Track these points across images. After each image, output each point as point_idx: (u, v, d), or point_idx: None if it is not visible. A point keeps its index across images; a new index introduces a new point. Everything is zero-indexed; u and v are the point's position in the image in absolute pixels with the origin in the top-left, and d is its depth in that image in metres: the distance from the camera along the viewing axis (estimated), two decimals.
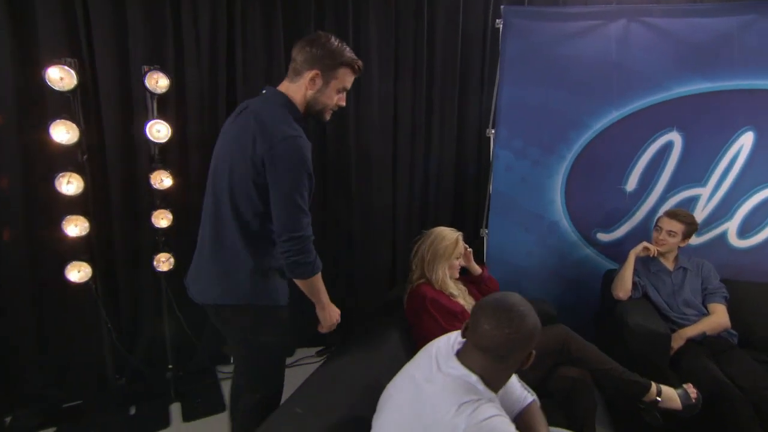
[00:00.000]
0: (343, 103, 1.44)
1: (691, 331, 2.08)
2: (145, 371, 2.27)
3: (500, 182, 2.61)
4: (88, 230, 1.80)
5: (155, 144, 1.94)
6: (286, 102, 1.37)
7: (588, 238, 2.65)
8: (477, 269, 2.09)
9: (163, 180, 1.94)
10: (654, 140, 2.51)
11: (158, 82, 1.86)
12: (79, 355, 2.16)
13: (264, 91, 1.44)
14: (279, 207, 1.30)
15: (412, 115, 2.78)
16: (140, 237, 2.22)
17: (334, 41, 1.37)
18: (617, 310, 2.16)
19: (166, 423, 2.12)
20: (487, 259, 2.71)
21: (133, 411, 2.18)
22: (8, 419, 2.07)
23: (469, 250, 2.04)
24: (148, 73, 1.85)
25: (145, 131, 1.86)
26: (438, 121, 2.82)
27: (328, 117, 1.46)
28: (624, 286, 2.24)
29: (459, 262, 1.95)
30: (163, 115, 2.10)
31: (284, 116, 1.33)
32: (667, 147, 2.52)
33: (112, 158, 2.14)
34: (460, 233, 1.95)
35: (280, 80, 2.49)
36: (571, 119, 2.50)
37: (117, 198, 2.17)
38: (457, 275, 1.97)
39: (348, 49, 1.40)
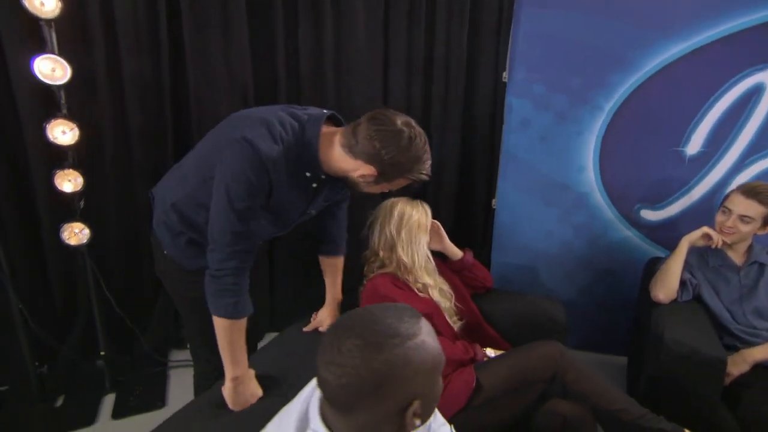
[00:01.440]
0: (386, 191, 1.23)
1: (762, 352, 1.57)
2: (74, 358, 2.07)
3: (514, 141, 2.12)
4: None
5: (56, 86, 1.62)
6: (309, 146, 1.14)
7: (628, 216, 2.13)
8: (456, 252, 1.68)
9: (65, 132, 1.63)
10: (734, 84, 1.91)
11: (43, 2, 1.51)
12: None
13: (311, 113, 1.19)
14: (211, 217, 1.14)
15: (408, 52, 2.31)
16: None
17: (414, 149, 1.10)
18: (653, 316, 1.68)
19: (92, 419, 1.90)
20: (494, 238, 2.27)
21: (60, 402, 2.00)
22: None
23: (437, 223, 1.64)
24: None
25: (32, 68, 1.54)
26: (442, 59, 2.32)
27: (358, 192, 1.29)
28: (668, 284, 1.74)
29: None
30: (72, 50, 1.78)
31: (278, 135, 1.11)
32: (754, 93, 1.91)
33: (23, 104, 1.85)
34: (427, 206, 1.57)
35: (237, 17, 2.15)
36: (613, 56, 1.94)
37: (35, 154, 1.90)
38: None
39: (425, 158, 1.14)
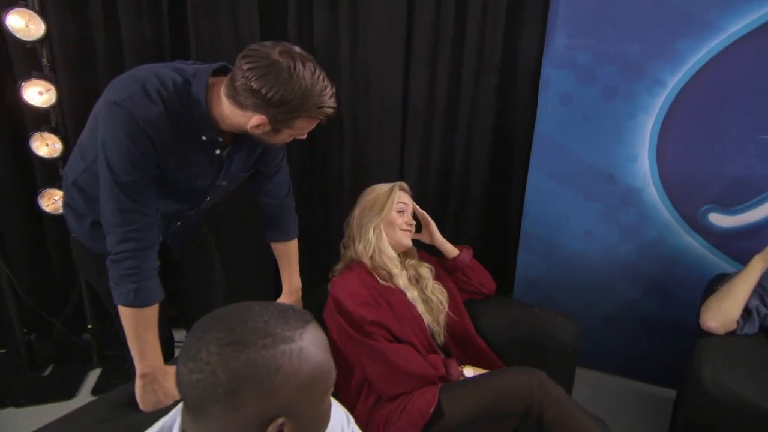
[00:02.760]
0: (303, 137, 1.13)
1: None
2: (62, 328, 2.15)
3: (549, 120, 1.88)
4: None
5: (31, 43, 1.62)
6: (197, 103, 1.04)
7: (692, 219, 1.82)
8: (450, 249, 1.53)
9: (42, 93, 1.65)
10: None
11: None
12: None
13: (198, 67, 1.09)
14: (100, 197, 1.07)
15: (436, 19, 2.11)
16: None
17: (299, 80, 0.97)
18: (697, 347, 1.40)
19: (72, 393, 1.97)
20: (522, 237, 2.05)
21: (48, 372, 2.08)
22: None
23: (423, 213, 1.53)
24: None
25: (4, 22, 1.55)
26: (475, 22, 2.09)
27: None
28: (726, 310, 1.44)
29: (405, 221, 1.45)
30: (67, 8, 1.82)
31: (155, 93, 1.02)
32: None
33: (17, 62, 1.89)
34: (400, 182, 1.47)
35: None
36: (683, 16, 1.64)
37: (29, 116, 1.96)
38: (407, 241, 1.46)
39: (319, 89, 1.00)
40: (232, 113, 1.04)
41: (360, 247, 1.40)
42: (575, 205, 1.92)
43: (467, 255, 1.54)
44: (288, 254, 1.45)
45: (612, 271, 1.95)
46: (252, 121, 1.02)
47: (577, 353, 1.44)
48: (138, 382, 1.12)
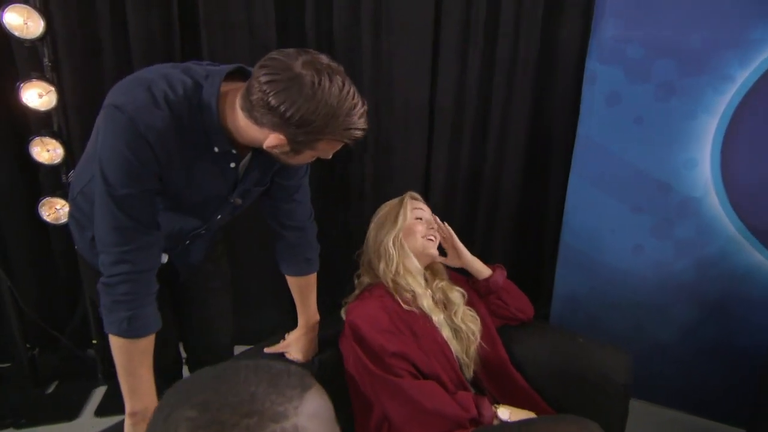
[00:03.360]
0: (328, 157, 1.01)
1: None
2: (66, 344, 2.09)
3: (594, 121, 1.72)
4: None
5: (29, 41, 1.55)
6: (207, 110, 0.93)
7: (763, 234, 1.65)
8: (481, 269, 1.40)
9: (42, 95, 1.58)
10: None
11: None
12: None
13: (211, 68, 0.98)
14: (95, 211, 0.98)
15: (466, 6, 1.97)
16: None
17: (324, 97, 0.85)
18: None
19: (74, 414, 1.89)
20: (561, 251, 1.89)
21: (52, 389, 2.03)
22: None
23: (446, 226, 1.40)
24: None
25: (1, 20, 1.49)
26: (510, 9, 1.94)
27: None
28: None
29: (425, 227, 1.34)
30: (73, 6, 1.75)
31: (161, 97, 0.91)
32: None
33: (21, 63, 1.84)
34: (410, 192, 1.39)
35: None
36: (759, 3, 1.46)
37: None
38: (433, 250, 1.34)
39: (347, 108, 0.88)
40: (249, 127, 0.92)
41: (382, 266, 1.28)
42: (622, 216, 1.75)
43: (501, 275, 1.39)
44: (307, 287, 1.32)
45: (665, 291, 1.77)
46: (269, 140, 0.90)
47: (630, 391, 1.28)
48: (127, 421, 1.03)
